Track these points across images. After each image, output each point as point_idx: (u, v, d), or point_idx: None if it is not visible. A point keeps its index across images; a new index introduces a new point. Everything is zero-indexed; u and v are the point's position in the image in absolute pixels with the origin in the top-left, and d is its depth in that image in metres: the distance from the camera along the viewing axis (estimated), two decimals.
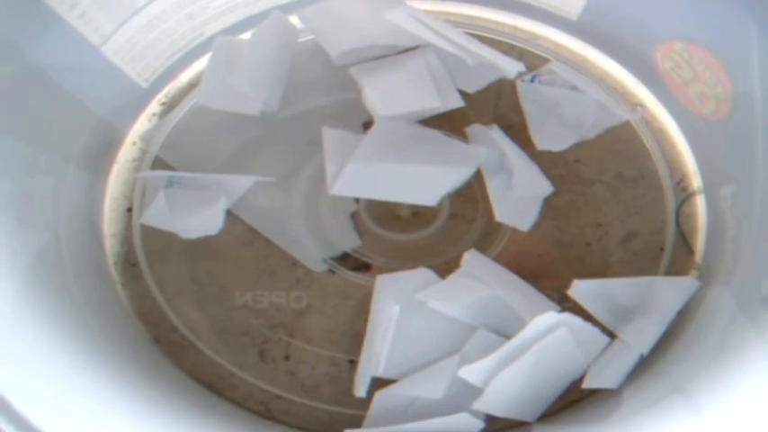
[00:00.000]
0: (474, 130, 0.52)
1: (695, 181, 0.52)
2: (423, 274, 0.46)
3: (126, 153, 0.53)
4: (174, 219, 0.48)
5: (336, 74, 0.54)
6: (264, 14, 0.54)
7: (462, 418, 0.41)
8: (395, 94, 0.52)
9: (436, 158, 0.50)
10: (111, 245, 0.50)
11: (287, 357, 0.46)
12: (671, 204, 0.51)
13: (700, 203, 0.51)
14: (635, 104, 0.55)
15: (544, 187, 0.50)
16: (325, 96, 0.54)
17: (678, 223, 0.51)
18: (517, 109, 0.54)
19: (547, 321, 0.42)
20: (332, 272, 0.48)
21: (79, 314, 0.42)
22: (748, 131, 0.47)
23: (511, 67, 0.52)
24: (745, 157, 0.47)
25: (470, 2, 0.58)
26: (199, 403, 0.44)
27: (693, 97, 0.51)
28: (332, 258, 0.49)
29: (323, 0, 0.54)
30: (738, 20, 0.47)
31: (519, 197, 0.50)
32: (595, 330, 0.43)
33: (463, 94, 0.53)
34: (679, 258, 0.50)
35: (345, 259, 0.49)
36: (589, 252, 0.49)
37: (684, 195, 0.52)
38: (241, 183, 0.49)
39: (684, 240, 0.50)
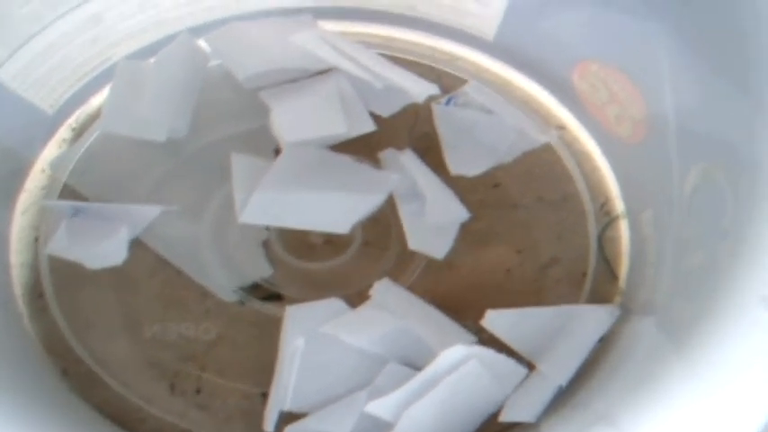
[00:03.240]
0: (386, 155, 0.51)
1: (618, 204, 0.51)
2: (333, 304, 0.45)
3: (35, 180, 0.51)
4: (78, 248, 0.47)
5: (248, 98, 0.53)
6: (174, 37, 0.53)
7: None
8: (301, 120, 0.51)
9: (346, 185, 0.49)
10: (18, 275, 0.48)
11: (198, 391, 0.45)
12: (593, 229, 0.51)
13: (623, 227, 0.51)
14: (556, 126, 0.54)
15: (460, 213, 0.49)
16: (236, 121, 0.53)
17: (602, 248, 0.50)
18: (433, 133, 0.53)
19: (455, 354, 0.41)
20: (242, 302, 0.47)
21: None
22: (664, 155, 0.46)
23: (420, 90, 0.52)
24: (663, 182, 0.47)
25: (388, 23, 0.57)
26: None
27: (611, 119, 0.51)
28: (242, 288, 0.48)
29: (230, 22, 0.53)
30: (650, 41, 0.46)
31: (433, 224, 0.49)
32: (511, 362, 0.43)
33: (377, 117, 0.52)
34: (602, 284, 0.49)
35: (256, 289, 0.48)
36: (509, 279, 0.49)
37: (608, 219, 0.51)
38: (146, 212, 0.48)
39: (608, 265, 0.49)
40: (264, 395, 0.44)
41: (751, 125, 0.41)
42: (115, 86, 0.52)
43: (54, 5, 0.49)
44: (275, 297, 0.47)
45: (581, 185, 0.52)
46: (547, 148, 0.53)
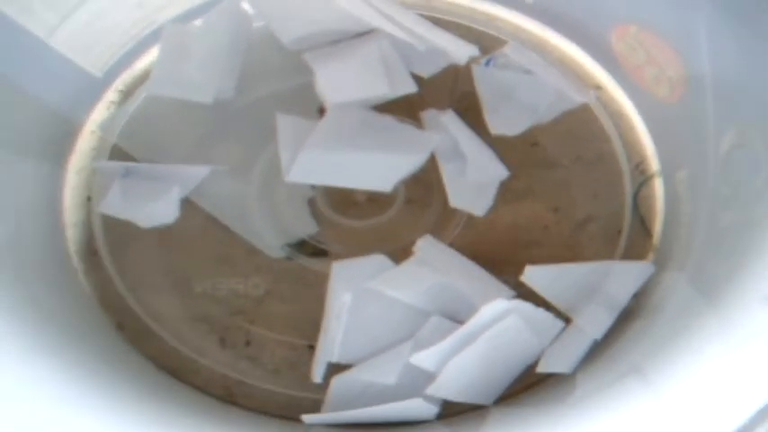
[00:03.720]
0: (428, 115, 0.52)
1: (654, 164, 0.52)
2: (377, 260, 0.47)
3: (85, 142, 0.53)
4: (131, 208, 0.49)
5: (292, 59, 0.54)
6: (218, 1, 0.54)
7: (416, 404, 0.41)
8: (345, 81, 0.52)
9: (389, 145, 0.50)
10: (72, 234, 0.50)
11: (247, 343, 0.46)
12: (628, 187, 0.51)
13: (658, 186, 0.51)
14: (593, 87, 0.55)
15: (499, 172, 0.50)
16: (280, 82, 0.54)
17: (636, 206, 0.51)
18: (474, 93, 0.54)
19: (496, 309, 0.42)
20: (289, 258, 0.48)
21: (39, 305, 0.42)
22: (701, 115, 0.47)
23: (461, 52, 0.53)
24: (699, 142, 0.47)
25: None
26: (162, 389, 0.44)
27: (649, 80, 0.52)
28: (289, 245, 0.49)
29: None
30: (689, 3, 0.47)
31: (473, 182, 0.50)
32: (549, 315, 0.44)
33: (419, 78, 0.53)
34: (637, 241, 0.50)
35: (303, 246, 0.49)
36: (546, 236, 0.49)
37: (643, 178, 0.52)
38: (196, 172, 0.50)
39: (642, 223, 0.50)
40: (311, 347, 0.45)
41: None
42: (163, 49, 0.53)
43: None
44: (321, 253, 0.49)
45: (617, 145, 0.53)
46: (584, 109, 0.54)
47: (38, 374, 0.37)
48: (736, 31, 0.45)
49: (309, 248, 0.49)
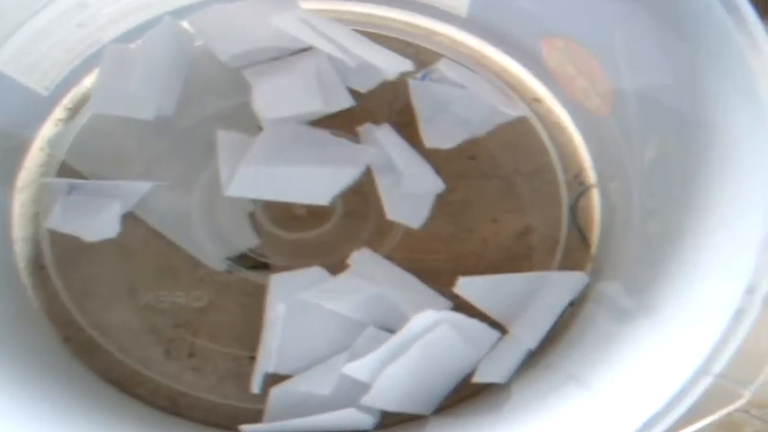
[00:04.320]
0: (364, 129, 0.53)
1: (591, 175, 0.53)
2: (315, 272, 0.47)
3: (34, 159, 0.53)
4: (74, 223, 0.49)
5: (234, 77, 0.55)
6: (158, 20, 0.55)
7: (350, 414, 0.42)
8: (281, 98, 0.53)
9: (325, 159, 0.51)
10: (20, 249, 0.50)
11: (191, 355, 0.47)
12: (566, 198, 0.52)
13: (595, 197, 0.52)
14: (531, 100, 0.56)
15: (435, 184, 0.51)
16: (222, 99, 0.55)
17: (575, 217, 0.52)
18: (409, 108, 0.54)
19: (426, 319, 0.43)
20: (231, 271, 0.49)
21: None
22: (628, 128, 0.48)
23: (393, 66, 0.54)
24: (628, 153, 0.49)
25: (364, 0, 0.58)
26: (108, 401, 0.45)
27: (580, 92, 0.53)
28: (231, 258, 0.49)
29: (212, 4, 0.55)
30: (609, 16, 0.48)
31: (409, 195, 0.51)
32: (483, 326, 0.45)
33: (357, 93, 0.54)
34: (575, 252, 0.51)
35: (244, 259, 0.50)
36: (485, 248, 0.50)
37: (581, 189, 0.53)
38: (138, 188, 0.50)
39: (581, 234, 0.51)
40: (253, 358, 0.46)
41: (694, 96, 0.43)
42: (103, 69, 0.54)
43: None
44: (262, 266, 0.49)
45: (554, 157, 0.54)
46: (522, 121, 0.55)
47: None
48: (655, 43, 0.46)
49: (250, 261, 0.50)
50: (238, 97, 0.54)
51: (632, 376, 0.39)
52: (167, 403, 0.46)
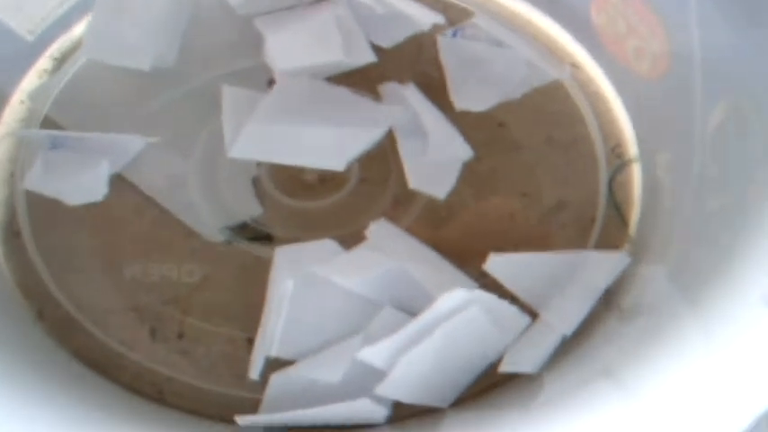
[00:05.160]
0: (387, 88, 0.49)
1: (631, 148, 0.49)
2: (325, 245, 0.44)
3: (13, 113, 0.50)
4: (56, 183, 0.46)
5: (242, 27, 0.51)
6: None
7: (363, 405, 0.38)
8: (297, 47, 0.49)
9: (343, 119, 0.47)
10: None
11: (180, 336, 0.43)
12: (603, 173, 0.48)
13: (635, 172, 0.49)
14: (568, 63, 0.52)
15: (463, 151, 0.48)
16: (229, 52, 0.51)
17: (612, 193, 0.48)
18: (438, 67, 0.51)
19: (455, 299, 0.39)
20: (229, 243, 0.45)
21: None
22: (686, 90, 0.44)
23: (426, 19, 0.50)
24: (683, 120, 0.45)
25: None
26: (85, 386, 0.41)
27: (630, 53, 0.49)
28: (229, 227, 0.46)
29: None
30: None
31: (435, 162, 0.47)
32: (513, 309, 0.41)
33: (379, 49, 0.51)
34: (611, 231, 0.47)
35: (244, 229, 0.46)
36: (513, 224, 0.47)
37: (619, 163, 0.49)
38: (130, 145, 0.47)
39: (618, 211, 0.47)
40: (250, 341, 0.42)
41: None
42: (98, 10, 0.50)
43: None
44: (264, 238, 0.46)
45: (593, 127, 0.50)
46: (558, 87, 0.51)
47: None
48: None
49: (251, 232, 0.46)
50: (246, 51, 0.51)
51: (676, 385, 0.34)
52: (152, 390, 0.42)
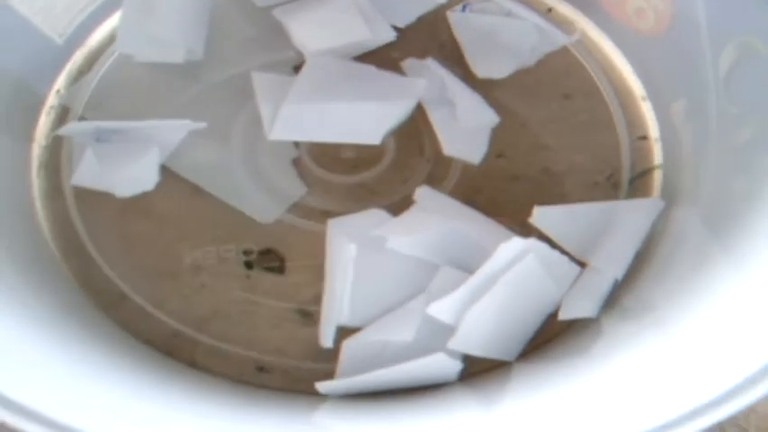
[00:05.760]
0: (410, 63, 0.50)
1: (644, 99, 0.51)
2: (375, 214, 0.45)
3: (50, 114, 0.50)
4: (107, 176, 0.45)
5: (260, 17, 0.52)
6: None
7: (439, 359, 0.39)
8: (323, 29, 0.50)
9: (375, 94, 0.48)
10: (44, 211, 0.47)
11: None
12: (622, 122, 0.50)
13: (653, 123, 0.50)
14: (576, 29, 0.53)
15: (490, 117, 0.49)
16: (250, 41, 0.52)
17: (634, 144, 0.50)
18: (451, 41, 0.52)
19: (513, 248, 0.40)
20: (280, 221, 0.46)
21: (16, 291, 0.40)
22: (692, 39, 0.46)
23: None
24: (693, 67, 0.46)
25: None
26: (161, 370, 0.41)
27: (631, 13, 0.50)
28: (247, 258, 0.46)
29: None
30: None
31: (465, 129, 0.48)
32: (564, 259, 0.42)
33: (394, 29, 0.52)
34: (640, 179, 0.49)
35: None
36: (547, 179, 0.48)
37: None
38: (174, 131, 0.47)
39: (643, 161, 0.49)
40: (302, 313, 0.43)
41: None
42: (126, 8, 0.50)
43: None
44: (318, 214, 0.46)
45: (604, 82, 0.51)
46: (564, 51, 0.52)
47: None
48: None
49: (268, 260, 0.45)
50: (266, 40, 0.51)
51: (712, 324, 0.36)
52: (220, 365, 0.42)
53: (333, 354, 0.41)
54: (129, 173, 0.45)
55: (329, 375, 0.40)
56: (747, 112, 0.43)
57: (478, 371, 0.41)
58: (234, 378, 0.42)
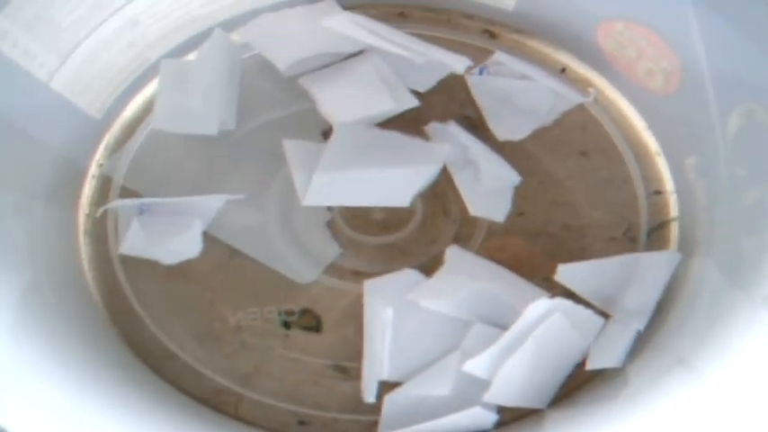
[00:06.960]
0: (433, 128, 0.52)
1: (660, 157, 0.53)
2: (409, 274, 0.46)
3: (92, 186, 0.52)
4: (153, 245, 0.47)
5: (286, 85, 0.54)
6: (205, 34, 0.53)
7: (476, 412, 0.41)
8: (349, 100, 0.52)
9: (401, 159, 0.49)
10: (94, 279, 0.49)
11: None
12: (639, 178, 0.52)
13: (668, 179, 0.52)
14: (585, 87, 0.55)
15: (512, 177, 0.50)
16: (279, 109, 0.53)
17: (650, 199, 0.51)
18: (470, 103, 0.54)
19: (540, 308, 0.42)
20: (317, 282, 0.48)
21: (70, 352, 0.41)
22: (701, 101, 0.48)
23: (458, 63, 0.53)
24: (703, 127, 0.48)
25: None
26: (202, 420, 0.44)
27: (642, 74, 0.52)
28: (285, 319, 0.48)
29: (260, 15, 0.55)
30: None
31: (489, 189, 0.50)
32: (589, 312, 0.44)
33: (415, 93, 0.53)
34: (658, 232, 0.50)
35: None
36: (567, 235, 0.50)
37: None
38: (212, 203, 0.49)
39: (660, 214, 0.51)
40: (339, 368, 0.45)
41: None
42: (162, 84, 0.52)
43: (97, 10, 0.50)
44: (350, 274, 0.48)
45: (620, 138, 0.53)
46: (580, 109, 0.54)
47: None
48: (727, 15, 0.46)
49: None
50: (294, 107, 0.53)
51: (741, 363, 0.38)
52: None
53: (369, 407, 0.43)
54: (175, 243, 0.47)
55: (367, 427, 0.43)
56: (755, 175, 0.45)
57: (512, 419, 0.43)
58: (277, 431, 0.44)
